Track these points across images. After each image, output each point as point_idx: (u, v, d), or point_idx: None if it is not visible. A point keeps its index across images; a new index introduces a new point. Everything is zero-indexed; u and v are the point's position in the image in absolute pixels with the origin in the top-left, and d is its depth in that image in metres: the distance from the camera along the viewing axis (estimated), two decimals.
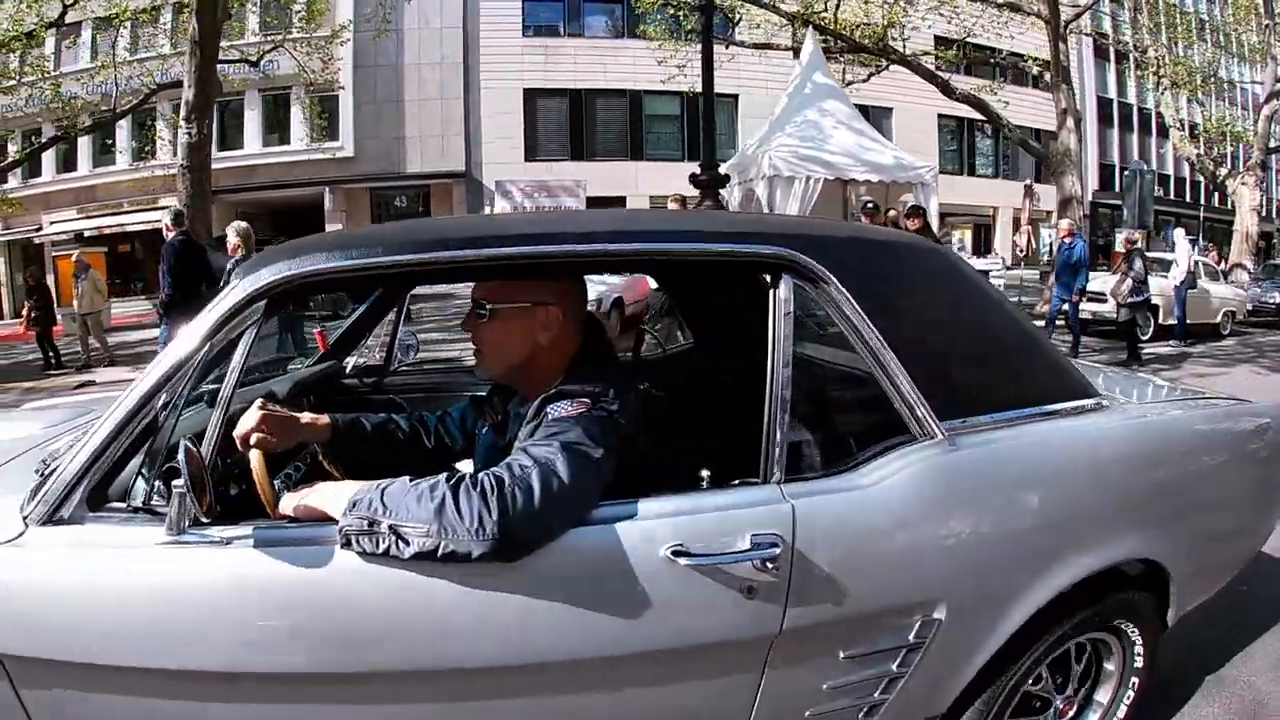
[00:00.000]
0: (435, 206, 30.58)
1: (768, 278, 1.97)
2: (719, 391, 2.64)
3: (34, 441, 2.51)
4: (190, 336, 1.80)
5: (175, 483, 1.64)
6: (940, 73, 19.95)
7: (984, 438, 2.05)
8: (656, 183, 29.26)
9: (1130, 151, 37.44)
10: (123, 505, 1.82)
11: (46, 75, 22.27)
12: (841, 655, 1.91)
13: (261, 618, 1.67)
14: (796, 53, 17.66)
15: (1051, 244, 19.02)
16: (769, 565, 1.75)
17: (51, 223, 30.92)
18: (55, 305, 17.33)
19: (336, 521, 1.66)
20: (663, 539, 1.73)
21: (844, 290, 1.96)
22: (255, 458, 1.88)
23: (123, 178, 28.71)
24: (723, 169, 13.65)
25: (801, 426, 1.97)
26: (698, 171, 12.64)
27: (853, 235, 2.27)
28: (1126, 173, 21.72)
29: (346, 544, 1.63)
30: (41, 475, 1.96)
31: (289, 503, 1.80)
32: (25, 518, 1.78)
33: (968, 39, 21.27)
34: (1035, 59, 20.66)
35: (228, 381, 1.80)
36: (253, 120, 29.44)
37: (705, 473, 1.93)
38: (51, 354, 14.66)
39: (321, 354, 3.31)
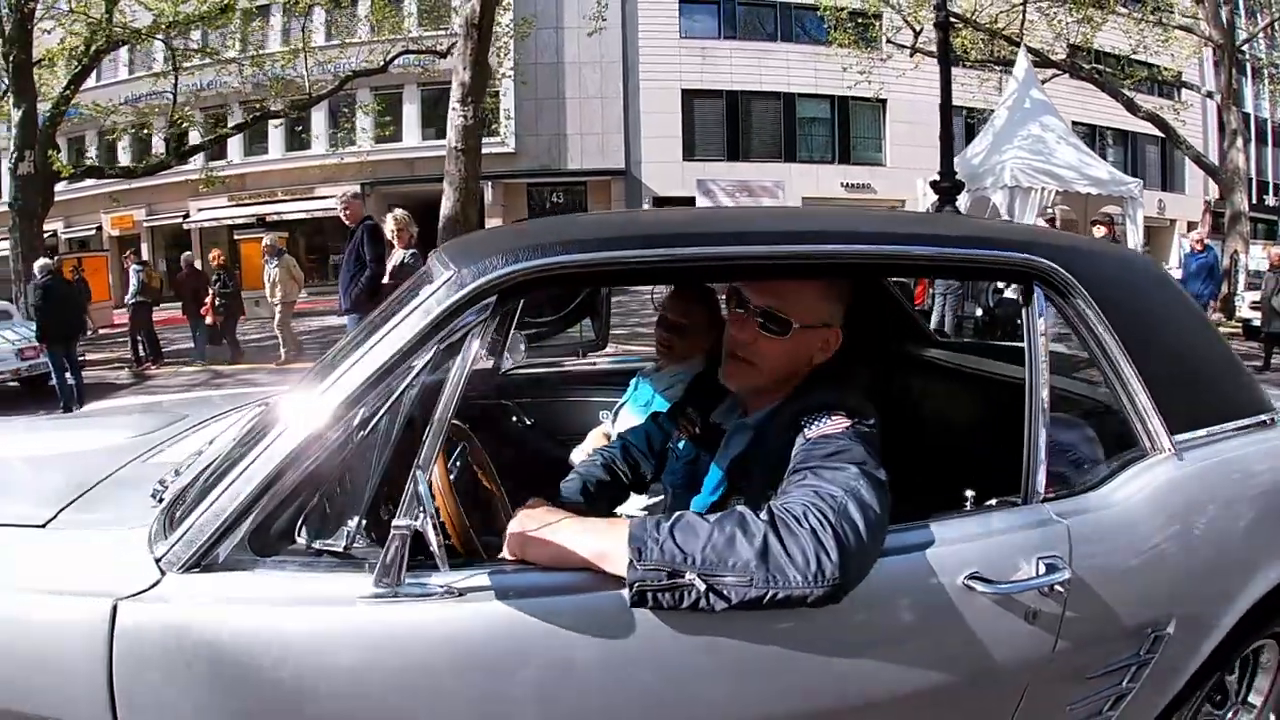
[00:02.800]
0: (592, 203, 30.88)
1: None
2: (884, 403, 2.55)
3: (130, 453, 2.12)
4: (394, 339, 1.50)
5: (397, 521, 1.34)
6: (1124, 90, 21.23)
7: (1202, 451, 2.01)
8: (807, 184, 30.93)
9: (1266, 165, 37.75)
10: (298, 547, 1.52)
11: (257, 53, 22.18)
12: (1088, 675, 1.84)
13: (520, 686, 1.42)
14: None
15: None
16: (1056, 589, 1.66)
17: (199, 210, 30.80)
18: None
19: (591, 568, 1.44)
20: (961, 566, 1.61)
21: (1092, 301, 1.87)
22: (440, 480, 1.53)
23: (294, 165, 28.82)
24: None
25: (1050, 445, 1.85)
26: (937, 178, 13.67)
27: (1089, 245, 2.20)
28: None
29: (640, 600, 1.36)
30: (163, 501, 1.66)
31: (519, 542, 1.50)
32: (159, 561, 1.45)
33: (1133, 54, 22.95)
34: (1180, 80, 22.81)
35: (446, 396, 1.46)
36: (411, 114, 29.29)
37: (970, 493, 1.81)
38: (226, 341, 13.91)
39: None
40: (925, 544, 1.61)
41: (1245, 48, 23.49)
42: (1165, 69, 22.66)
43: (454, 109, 12.62)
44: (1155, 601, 1.88)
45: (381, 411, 1.53)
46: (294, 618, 1.41)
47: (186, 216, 31.57)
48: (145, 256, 28.42)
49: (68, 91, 17.44)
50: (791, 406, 1.69)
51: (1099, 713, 1.91)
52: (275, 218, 29.59)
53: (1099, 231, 11.32)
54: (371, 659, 1.40)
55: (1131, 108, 20.58)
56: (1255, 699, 2.49)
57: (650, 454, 2.24)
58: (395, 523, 1.35)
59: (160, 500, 1.70)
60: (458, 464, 1.90)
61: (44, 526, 1.68)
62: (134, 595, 1.40)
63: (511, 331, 3.19)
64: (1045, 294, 1.85)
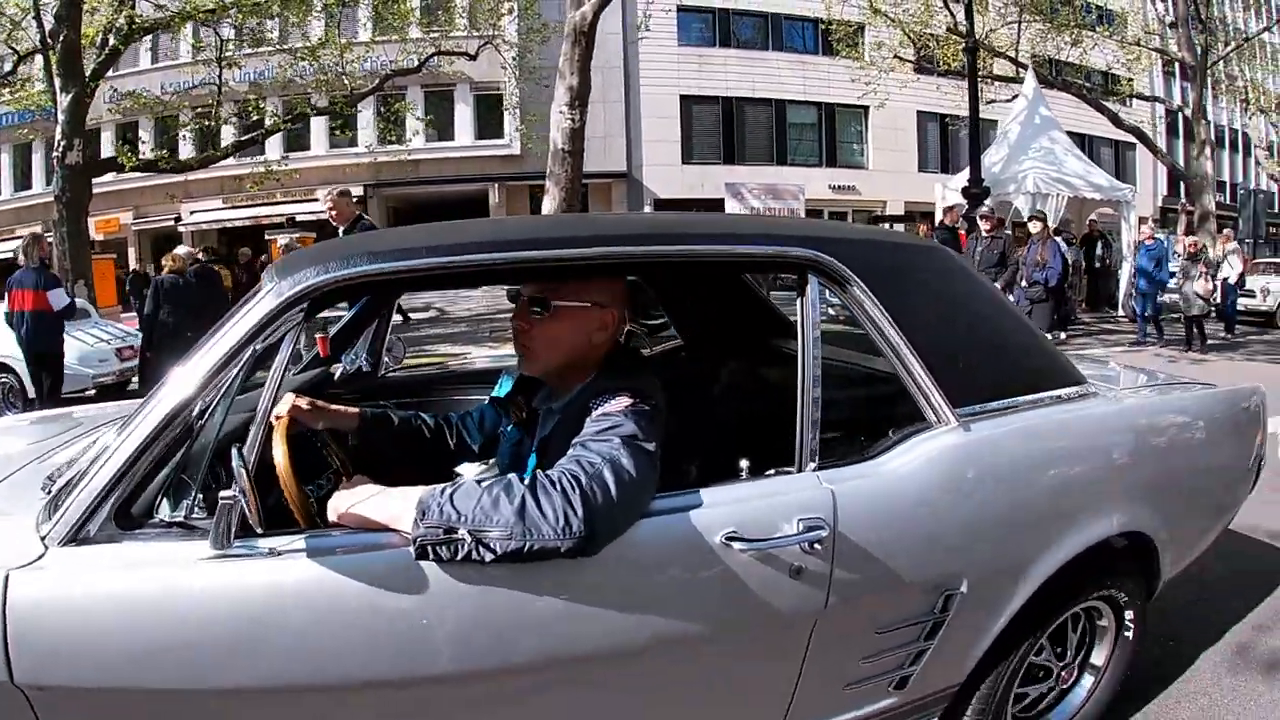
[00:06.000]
0: (594, 205, 31.24)
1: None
2: (717, 388, 2.83)
3: (25, 458, 2.40)
4: (225, 341, 1.74)
5: (223, 493, 1.58)
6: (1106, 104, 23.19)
7: (992, 422, 2.20)
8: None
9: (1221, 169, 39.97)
10: (156, 520, 1.76)
11: (282, 48, 21.48)
12: (875, 630, 2.03)
13: (328, 630, 1.65)
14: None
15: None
16: (815, 546, 1.85)
17: (192, 212, 30.91)
18: None
19: (389, 529, 1.67)
20: (718, 526, 1.81)
21: (866, 289, 2.08)
22: (283, 464, 1.82)
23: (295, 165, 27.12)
24: (958, 182, 17.02)
25: (829, 418, 2.05)
26: (966, 184, 15.45)
27: (869, 237, 2.40)
28: (1242, 192, 26.76)
29: (422, 554, 1.61)
30: (50, 493, 1.89)
31: (335, 509, 1.75)
32: (44, 538, 1.68)
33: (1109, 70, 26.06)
34: (1139, 93, 25.22)
35: (268, 389, 1.75)
36: (413, 116, 29.72)
37: (745, 463, 2.02)
38: None
39: (310, 360, 3.24)
40: (690, 507, 1.82)
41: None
42: (1125, 80, 25.14)
43: (561, 112, 13.17)
44: (938, 561, 2.06)
45: (215, 402, 1.80)
46: (149, 579, 1.64)
47: (178, 220, 31.59)
48: (132, 261, 28.45)
49: (92, 82, 16.25)
50: (587, 391, 1.92)
51: (899, 666, 2.10)
52: (279, 219, 29.64)
53: (1035, 227, 12.58)
54: (209, 612, 1.63)
55: (1116, 121, 22.63)
56: (1097, 659, 2.68)
57: (480, 432, 2.50)
58: (222, 494, 1.60)
59: (49, 491, 1.94)
60: (329, 477, 2.24)
61: None
62: (22, 566, 1.63)
63: (389, 334, 3.42)
64: (821, 284, 2.06)
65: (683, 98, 33.30)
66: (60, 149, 15.52)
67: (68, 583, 1.63)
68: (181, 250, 9.27)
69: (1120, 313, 16.67)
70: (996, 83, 22.69)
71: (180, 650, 1.62)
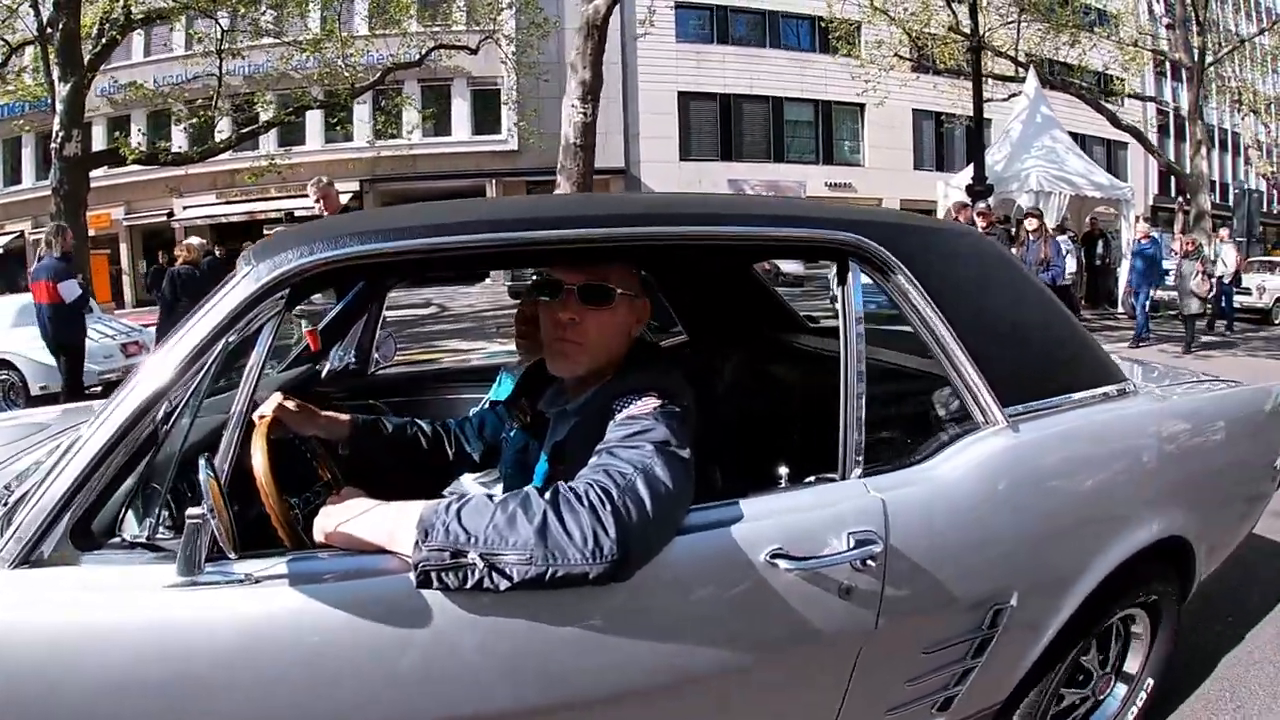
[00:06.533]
0: None
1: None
2: (732, 386, 2.67)
3: None
4: (195, 333, 1.51)
5: (191, 511, 1.35)
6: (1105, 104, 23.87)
7: (1042, 422, 2.03)
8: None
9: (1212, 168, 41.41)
10: (117, 540, 1.54)
11: (283, 40, 20.96)
12: (923, 650, 1.85)
13: (312, 671, 1.43)
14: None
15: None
16: (868, 564, 1.67)
17: (185, 208, 30.28)
18: None
19: (386, 551, 1.44)
20: (762, 543, 1.61)
21: (912, 277, 1.89)
22: (263, 472, 1.60)
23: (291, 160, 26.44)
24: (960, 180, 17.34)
25: (871, 419, 1.85)
26: (970, 182, 15.76)
27: (912, 222, 2.21)
28: (1236, 191, 27.58)
29: (425, 581, 1.37)
30: (5, 505, 1.67)
31: (322, 528, 1.51)
32: None
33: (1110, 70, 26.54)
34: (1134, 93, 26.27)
35: (244, 388, 1.54)
36: (410, 110, 28.69)
37: (784, 469, 1.85)
38: None
39: (296, 356, 3.02)
40: (730, 521, 1.61)
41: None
42: (1118, 79, 26.06)
43: (573, 106, 12.89)
44: (990, 575, 1.88)
45: (185, 402, 1.57)
46: (108, 607, 1.42)
47: (170, 215, 31.00)
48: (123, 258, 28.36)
49: (88, 73, 15.79)
50: (607, 391, 1.71)
51: (944, 688, 1.92)
52: (277, 214, 28.90)
53: (1031, 224, 12.41)
54: (174, 647, 1.41)
55: (1115, 121, 23.06)
56: (1132, 668, 2.53)
57: (480, 439, 2.28)
58: (189, 512, 1.36)
59: (5, 504, 1.71)
60: (319, 491, 1.98)
61: None
62: None
63: (379, 331, 3.21)
64: (864, 271, 1.86)
65: (680, 94, 33.47)
66: (59, 140, 15.07)
67: (16, 610, 1.41)
68: (195, 241, 9.39)
69: (1120, 309, 16.88)
70: (994, 82, 23.00)
71: (141, 690, 1.40)
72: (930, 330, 1.90)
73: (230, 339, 1.53)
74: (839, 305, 1.84)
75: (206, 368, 1.54)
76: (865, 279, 1.88)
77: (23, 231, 31.83)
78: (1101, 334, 14.18)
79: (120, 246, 31.32)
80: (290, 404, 1.95)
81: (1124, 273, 16.17)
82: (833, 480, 1.78)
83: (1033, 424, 2.00)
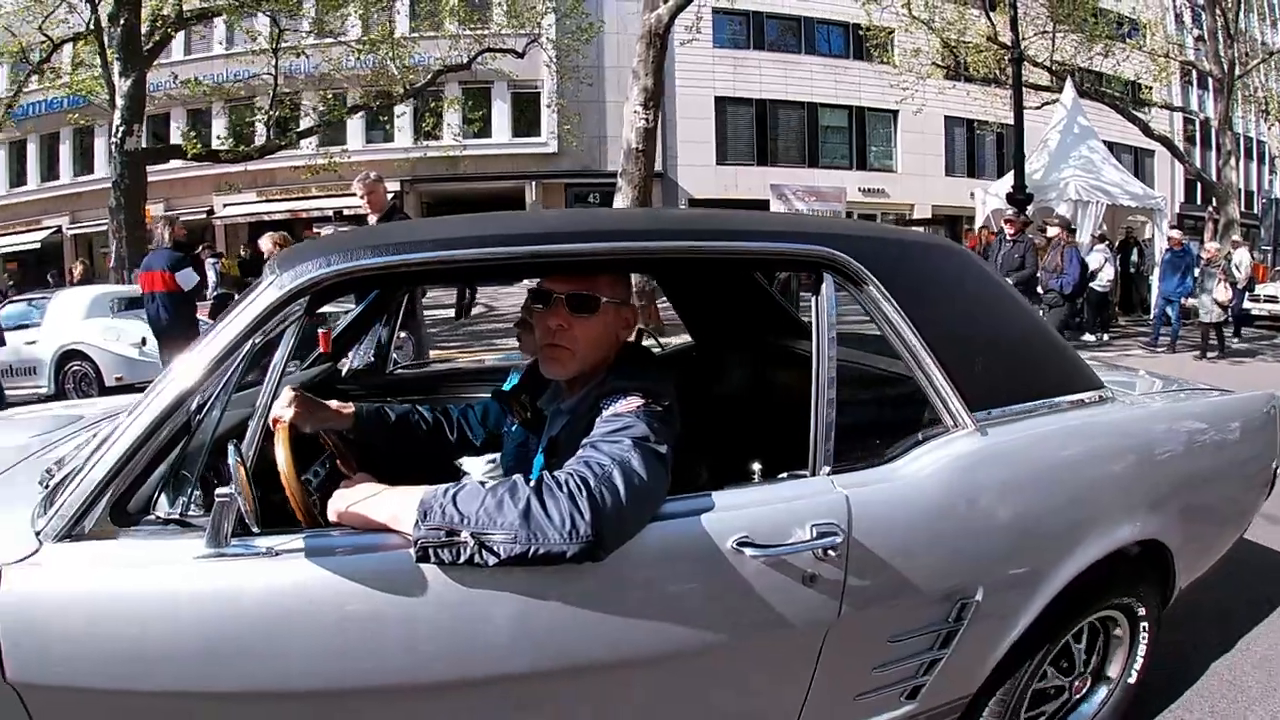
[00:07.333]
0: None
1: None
2: (729, 388, 2.78)
3: (23, 452, 2.35)
4: (225, 334, 1.70)
5: (220, 490, 1.54)
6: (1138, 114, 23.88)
7: (1011, 427, 2.14)
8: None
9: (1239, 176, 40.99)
10: (152, 518, 1.71)
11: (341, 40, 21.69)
12: (888, 639, 1.97)
13: (326, 633, 1.60)
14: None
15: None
16: (830, 553, 1.80)
17: (225, 205, 30.81)
18: None
19: (390, 530, 1.62)
20: (729, 531, 1.75)
21: (882, 288, 2.01)
22: (284, 460, 1.79)
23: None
24: (998, 188, 17.48)
25: (843, 420, 1.98)
26: (1010, 190, 15.77)
27: (884, 235, 2.32)
28: (1263, 201, 27.95)
29: (423, 556, 1.55)
30: (48, 487, 1.85)
31: (335, 509, 1.70)
32: (39, 534, 1.64)
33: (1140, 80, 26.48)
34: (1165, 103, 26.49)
35: (268, 384, 1.71)
36: (453, 113, 28.97)
37: (757, 466, 1.98)
38: None
39: (317, 356, 3.18)
40: (700, 510, 1.76)
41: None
42: (1146, 88, 26.00)
43: (635, 112, 13.29)
44: (954, 570, 2.00)
45: (215, 396, 1.76)
46: (144, 578, 1.60)
47: (210, 213, 31.48)
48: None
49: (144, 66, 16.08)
50: (597, 391, 1.86)
51: (912, 676, 2.04)
52: (317, 213, 29.81)
53: (1051, 231, 12.46)
54: (203, 613, 1.59)
55: (1147, 130, 23.19)
56: (1112, 671, 2.61)
57: (483, 426, 2.47)
58: (218, 491, 1.56)
59: (46, 486, 1.90)
60: (327, 463, 2.21)
61: None
62: (15, 562, 1.59)
63: (397, 331, 3.39)
64: (836, 282, 2.00)
65: (718, 99, 33.68)
66: (119, 134, 15.32)
67: (62, 579, 1.60)
68: (276, 234, 9.28)
69: (1152, 316, 16.64)
70: (1029, 91, 22.75)
71: (173, 652, 1.58)
72: (900, 338, 2.02)
73: (256, 340, 1.71)
74: (813, 314, 1.98)
75: (234, 365, 1.72)
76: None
77: (60, 226, 32.51)
78: (1137, 339, 14.47)
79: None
80: (296, 408, 2.10)
81: (1156, 280, 16.10)
82: (803, 476, 1.92)
83: (1001, 428, 2.11)
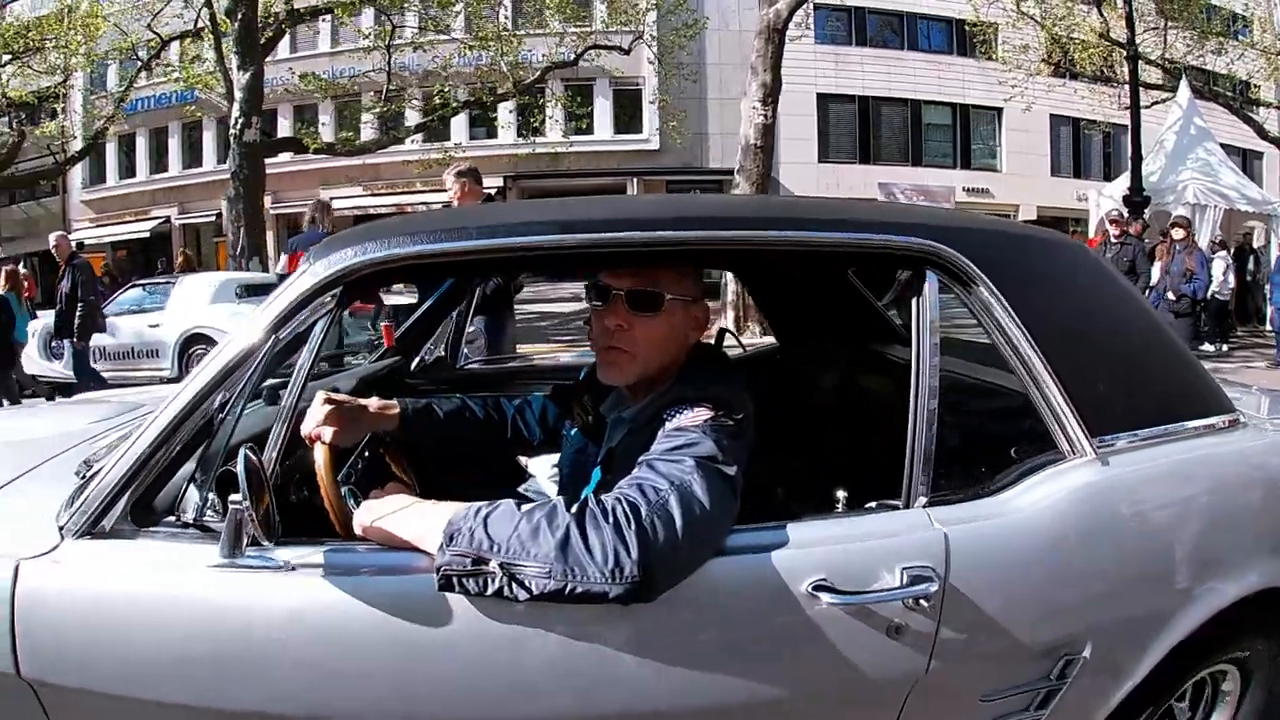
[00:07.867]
0: None
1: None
2: (812, 400, 2.53)
3: (77, 438, 2.27)
4: (253, 327, 1.57)
5: (233, 498, 1.41)
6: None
7: (1134, 456, 1.83)
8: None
9: None
10: (172, 519, 1.60)
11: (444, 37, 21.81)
12: (980, 697, 1.70)
13: (334, 660, 1.46)
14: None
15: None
16: (921, 603, 1.54)
17: (331, 199, 31.20)
18: None
19: (422, 550, 1.45)
20: (805, 572, 1.51)
21: (995, 289, 1.74)
22: (322, 462, 1.65)
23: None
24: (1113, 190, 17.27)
25: (945, 443, 1.72)
26: (1129, 193, 15.63)
27: (998, 228, 2.06)
28: None
29: (446, 584, 1.37)
30: (82, 478, 1.76)
31: (361, 522, 1.55)
32: (61, 528, 1.57)
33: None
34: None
35: (295, 379, 1.60)
36: (556, 110, 29.32)
37: (842, 494, 1.75)
38: None
39: (385, 349, 3.07)
40: (773, 546, 1.53)
41: None
42: (1255, 87, 25.06)
43: (754, 108, 13.31)
44: (1062, 622, 1.73)
45: (236, 394, 1.62)
46: (157, 582, 1.50)
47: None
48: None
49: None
50: (661, 400, 1.65)
51: None
52: (424, 206, 29.08)
53: (1178, 234, 11.64)
54: (211, 625, 1.48)
55: (1261, 132, 22.29)
56: None
57: (541, 425, 2.24)
58: (231, 498, 1.41)
59: (82, 477, 1.80)
60: (365, 453, 1.96)
61: None
62: (34, 556, 1.52)
63: (468, 325, 3.26)
64: (941, 280, 1.74)
65: (819, 96, 33.20)
66: (239, 127, 15.65)
67: (78, 578, 1.52)
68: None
69: (1268, 326, 15.82)
70: (1141, 90, 21.97)
71: (180, 662, 1.48)
72: (1014, 348, 1.75)
73: (279, 335, 1.58)
74: (912, 316, 1.72)
75: (261, 360, 1.59)
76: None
77: (169, 217, 33.66)
78: (1259, 350, 13.60)
79: (266, 234, 32.33)
80: (334, 425, 1.79)
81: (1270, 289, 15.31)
82: (895, 508, 1.66)
83: (1123, 457, 1.81)
